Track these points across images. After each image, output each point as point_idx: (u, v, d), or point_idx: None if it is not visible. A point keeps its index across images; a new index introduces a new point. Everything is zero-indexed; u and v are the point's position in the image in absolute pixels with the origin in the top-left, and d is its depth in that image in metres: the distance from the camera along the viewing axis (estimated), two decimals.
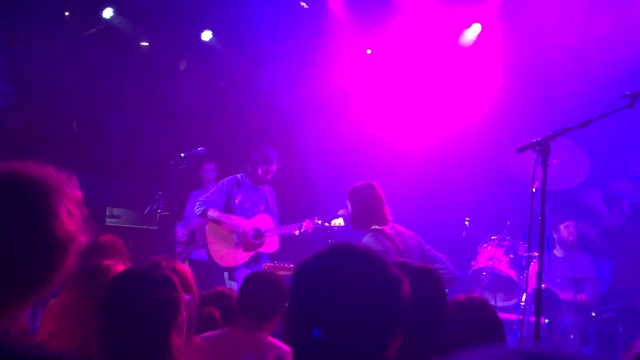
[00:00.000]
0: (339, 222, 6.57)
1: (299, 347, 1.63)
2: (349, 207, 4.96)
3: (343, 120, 8.20)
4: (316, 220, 6.63)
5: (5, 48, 7.99)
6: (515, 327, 5.90)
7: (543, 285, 3.58)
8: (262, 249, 6.68)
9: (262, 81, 8.39)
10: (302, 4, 8.13)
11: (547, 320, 6.07)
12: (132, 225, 8.08)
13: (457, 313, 2.65)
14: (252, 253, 6.64)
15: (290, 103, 8.31)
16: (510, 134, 6.66)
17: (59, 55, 8.25)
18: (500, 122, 7.48)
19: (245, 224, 6.64)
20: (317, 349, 1.57)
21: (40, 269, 1.49)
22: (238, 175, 6.82)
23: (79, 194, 1.58)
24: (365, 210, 4.84)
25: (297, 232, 6.67)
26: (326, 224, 6.62)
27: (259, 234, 6.66)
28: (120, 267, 2.67)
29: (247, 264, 6.58)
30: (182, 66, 9.48)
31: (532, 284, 5.64)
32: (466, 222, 6.83)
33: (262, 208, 6.81)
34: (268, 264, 6.23)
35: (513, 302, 6.43)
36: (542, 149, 3.44)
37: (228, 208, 6.70)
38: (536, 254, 5.19)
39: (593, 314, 6.44)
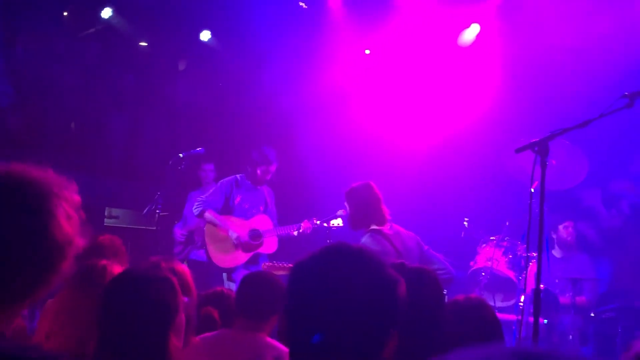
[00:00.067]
0: (337, 222, 6.57)
1: (295, 347, 1.63)
2: (347, 207, 4.96)
3: (342, 120, 8.20)
4: (315, 221, 6.62)
5: (4, 48, 7.99)
6: (514, 327, 5.89)
7: (542, 286, 3.58)
8: (260, 250, 6.68)
9: (261, 81, 8.39)
10: (301, 4, 8.13)
11: (545, 321, 6.07)
12: (130, 226, 8.08)
13: (455, 313, 2.65)
14: (250, 254, 6.63)
15: (289, 103, 8.31)
16: (509, 134, 6.66)
17: (58, 55, 8.25)
18: (499, 122, 7.48)
19: (241, 227, 6.62)
20: (313, 350, 1.57)
21: (37, 272, 1.49)
22: (237, 175, 6.81)
23: (77, 197, 1.59)
24: (363, 211, 4.84)
25: (295, 233, 6.67)
26: (325, 225, 6.61)
27: (256, 235, 6.65)
28: (117, 268, 2.66)
29: (245, 265, 6.57)
30: (181, 66, 9.48)
31: (531, 284, 5.64)
32: (465, 223, 6.83)
33: (261, 209, 6.81)
34: (267, 264, 6.23)
35: (512, 302, 6.43)
36: (541, 149, 3.44)
37: (227, 208, 6.69)
38: (535, 255, 5.18)
39: (592, 315, 6.44)
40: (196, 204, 6.70)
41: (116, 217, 8.12)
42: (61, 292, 2.58)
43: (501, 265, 6.40)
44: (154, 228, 6.87)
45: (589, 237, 7.39)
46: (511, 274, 6.37)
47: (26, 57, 8.14)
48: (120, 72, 8.88)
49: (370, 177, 5.12)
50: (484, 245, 6.59)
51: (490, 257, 6.37)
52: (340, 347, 1.57)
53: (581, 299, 6.55)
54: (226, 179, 6.82)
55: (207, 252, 6.71)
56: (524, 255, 6.14)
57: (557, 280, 6.55)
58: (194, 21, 8.51)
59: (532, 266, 5.92)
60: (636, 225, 7.28)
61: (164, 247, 7.26)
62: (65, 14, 8.31)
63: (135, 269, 2.29)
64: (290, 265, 5.85)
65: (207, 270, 6.67)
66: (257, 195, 6.82)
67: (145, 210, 6.93)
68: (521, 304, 5.79)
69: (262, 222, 6.75)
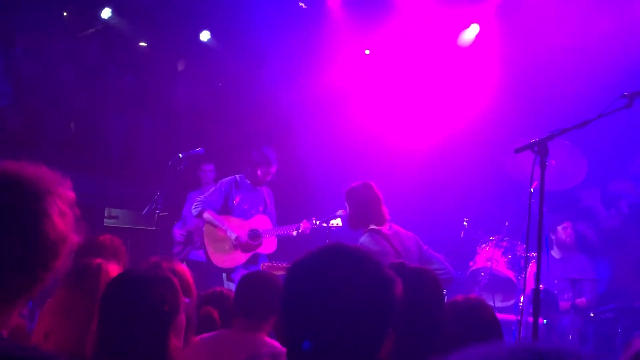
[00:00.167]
0: (337, 222, 6.57)
1: (291, 346, 1.63)
2: (347, 207, 4.96)
3: (341, 120, 8.20)
4: (314, 221, 6.62)
5: (4, 48, 7.99)
6: (513, 327, 5.89)
7: (541, 286, 3.58)
8: (260, 250, 6.68)
9: (260, 81, 8.39)
10: (300, 4, 8.13)
11: (545, 321, 6.07)
12: (130, 226, 8.08)
13: (455, 314, 2.65)
14: (250, 254, 6.63)
15: (289, 103, 8.31)
16: (508, 134, 6.66)
17: (57, 56, 8.25)
18: (499, 122, 7.48)
19: (240, 228, 6.62)
20: (309, 349, 1.57)
21: (31, 270, 1.48)
22: (237, 176, 6.81)
23: (71, 194, 1.58)
24: (363, 211, 4.83)
25: (294, 233, 6.67)
26: (324, 225, 6.61)
27: (255, 235, 6.65)
28: (112, 266, 2.67)
29: (245, 265, 6.57)
30: (181, 66, 9.47)
31: (531, 284, 5.64)
32: (464, 223, 6.84)
33: (260, 209, 6.81)
34: (266, 264, 6.23)
35: (511, 302, 6.43)
36: (540, 149, 3.44)
37: (226, 209, 6.69)
38: (534, 255, 5.18)
39: (591, 315, 6.44)
40: (195, 204, 6.70)
41: (116, 217, 8.13)
42: (58, 291, 2.59)
43: (500, 266, 6.40)
44: (154, 228, 6.86)
45: (588, 237, 7.39)
46: (510, 274, 6.37)
47: (25, 57, 8.14)
48: (119, 72, 8.88)
49: (370, 177, 5.12)
50: (484, 245, 6.58)
51: (490, 257, 6.37)
52: (336, 347, 1.57)
53: (581, 301, 6.55)
54: (225, 179, 6.82)
55: (206, 252, 6.71)
56: (524, 255, 6.15)
57: (556, 281, 6.54)
58: (193, 21, 8.51)
59: (532, 266, 5.93)
60: (635, 225, 7.28)
61: (163, 248, 7.26)
62: (65, 14, 8.31)
63: (136, 269, 2.29)
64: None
65: (206, 271, 6.67)
66: (257, 196, 6.81)
67: (144, 211, 6.92)
68: (521, 304, 5.79)
69: (262, 222, 6.75)
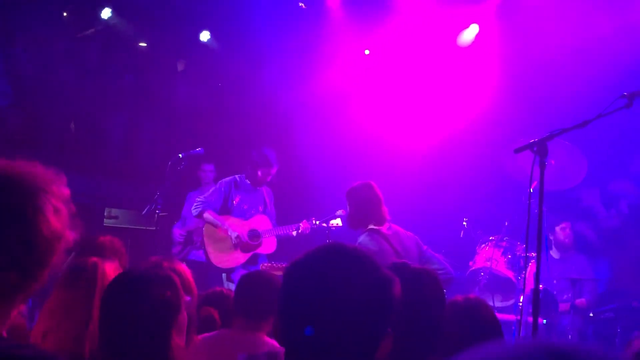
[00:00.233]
0: (336, 222, 6.57)
1: (289, 345, 1.63)
2: (347, 207, 4.97)
3: (341, 120, 8.20)
4: (313, 221, 6.62)
5: (4, 48, 7.99)
6: (513, 327, 5.89)
7: (541, 286, 3.58)
8: (259, 250, 6.68)
9: (260, 82, 8.39)
10: (300, 4, 8.13)
11: (545, 321, 6.07)
12: (130, 226, 8.08)
13: (454, 314, 2.65)
14: (249, 254, 6.63)
15: (289, 103, 8.31)
16: (508, 134, 6.67)
17: (57, 56, 8.25)
18: (499, 122, 7.48)
19: (240, 228, 6.62)
20: (307, 348, 1.58)
21: (26, 267, 1.48)
22: (237, 176, 6.81)
23: (66, 190, 1.57)
24: (363, 210, 4.84)
25: (294, 233, 6.67)
26: (324, 225, 6.61)
27: (255, 235, 6.65)
28: (108, 265, 2.66)
29: (244, 265, 6.57)
30: (181, 67, 9.47)
31: (530, 284, 5.64)
32: (464, 223, 6.83)
33: (260, 209, 6.81)
34: (266, 264, 6.23)
35: (511, 302, 6.43)
36: (540, 149, 3.45)
37: (226, 209, 6.69)
38: (534, 255, 5.19)
39: (591, 315, 6.44)
40: (195, 204, 6.70)
41: (115, 217, 8.12)
42: (55, 290, 2.59)
43: (500, 266, 6.40)
44: (154, 228, 6.86)
45: (587, 237, 7.40)
46: (510, 274, 6.37)
47: (25, 57, 8.14)
48: (119, 72, 8.88)
49: (370, 177, 5.12)
50: (483, 245, 6.58)
51: (490, 257, 6.37)
52: (333, 346, 1.57)
53: (581, 301, 6.54)
54: (225, 179, 6.82)
55: (206, 252, 6.71)
56: (523, 255, 6.14)
57: (555, 281, 6.54)
58: (193, 22, 8.51)
59: (531, 266, 5.92)
60: (635, 225, 7.28)
61: (163, 248, 7.26)
62: (65, 14, 8.31)
63: (138, 268, 2.30)
64: None
65: (206, 271, 6.67)
66: (256, 196, 6.81)
67: (144, 211, 6.92)
68: (520, 304, 5.79)
69: (261, 222, 6.75)
